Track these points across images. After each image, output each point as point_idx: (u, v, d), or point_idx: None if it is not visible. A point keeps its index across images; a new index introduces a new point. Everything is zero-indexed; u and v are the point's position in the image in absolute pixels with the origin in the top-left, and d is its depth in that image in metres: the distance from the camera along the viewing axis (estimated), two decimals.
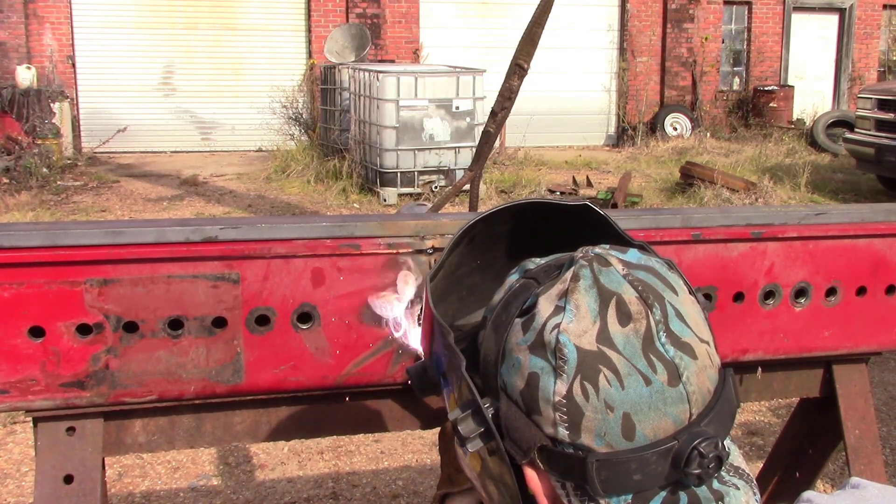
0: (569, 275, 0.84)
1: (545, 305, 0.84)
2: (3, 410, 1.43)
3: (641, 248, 0.92)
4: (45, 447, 1.46)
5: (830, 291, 1.77)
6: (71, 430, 1.47)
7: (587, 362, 0.80)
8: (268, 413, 1.59)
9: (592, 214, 1.00)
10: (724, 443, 0.82)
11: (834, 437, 2.00)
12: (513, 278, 0.92)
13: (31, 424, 1.50)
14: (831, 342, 1.80)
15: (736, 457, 0.87)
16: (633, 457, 0.81)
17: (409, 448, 4.06)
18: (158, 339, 1.42)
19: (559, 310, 0.83)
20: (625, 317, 0.81)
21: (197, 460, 3.90)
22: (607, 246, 0.88)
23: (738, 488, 0.85)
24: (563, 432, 0.82)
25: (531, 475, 0.87)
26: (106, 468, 1.59)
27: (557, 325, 0.82)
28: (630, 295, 0.82)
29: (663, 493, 0.82)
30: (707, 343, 0.85)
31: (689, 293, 0.88)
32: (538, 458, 0.85)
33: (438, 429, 1.56)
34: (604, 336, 0.81)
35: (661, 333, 0.82)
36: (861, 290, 1.79)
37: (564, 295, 0.83)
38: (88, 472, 1.46)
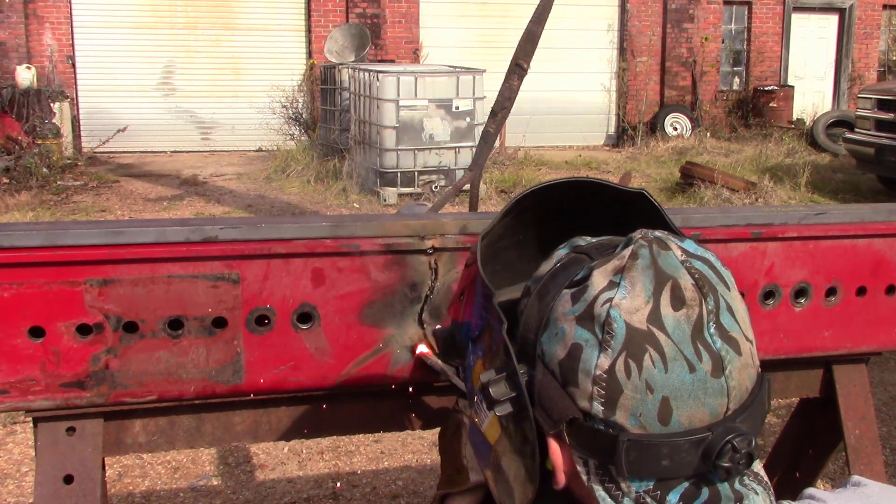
0: (627, 252, 0.83)
1: (599, 279, 0.83)
2: (3, 410, 1.43)
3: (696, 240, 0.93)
4: (45, 447, 1.46)
5: (830, 291, 1.77)
6: (71, 430, 1.47)
7: (635, 340, 0.80)
8: (268, 413, 1.59)
9: (646, 203, 0.99)
10: (756, 443, 0.82)
11: (834, 437, 2.00)
12: (561, 252, 0.91)
13: (31, 424, 1.50)
14: (831, 342, 1.80)
15: (756, 463, 0.87)
16: (665, 441, 0.80)
17: (409, 448, 4.06)
18: (158, 339, 1.42)
19: (613, 285, 0.82)
20: (678, 301, 0.81)
21: (197, 460, 3.90)
22: (665, 232, 0.87)
23: (756, 493, 0.85)
24: (597, 407, 0.81)
25: (555, 448, 0.86)
26: (106, 468, 1.59)
27: (610, 300, 0.81)
28: (686, 281, 0.82)
29: (686, 484, 0.82)
30: (751, 342, 0.85)
31: (737, 291, 0.87)
32: (566, 431, 0.84)
33: (438, 429, 1.56)
34: (655, 317, 0.80)
35: (710, 324, 0.81)
36: (861, 290, 1.79)
37: (620, 271, 0.82)
38: (88, 472, 1.46)
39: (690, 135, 14.98)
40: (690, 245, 0.87)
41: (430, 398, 1.65)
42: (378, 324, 1.51)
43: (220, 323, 1.44)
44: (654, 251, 0.83)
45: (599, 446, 0.82)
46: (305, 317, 1.48)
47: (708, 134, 15.03)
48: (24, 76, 12.45)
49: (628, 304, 0.80)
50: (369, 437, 4.09)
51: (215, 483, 3.75)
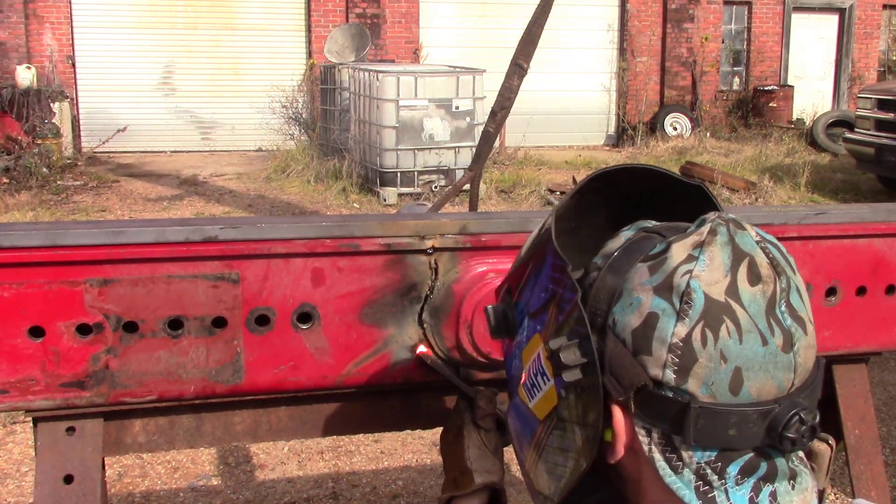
0: (705, 229, 0.86)
1: (679, 252, 0.85)
2: (3, 410, 1.43)
3: None
4: (45, 447, 1.46)
5: (830, 291, 1.77)
6: (71, 430, 1.47)
7: (713, 311, 0.82)
8: (268, 413, 1.59)
9: (704, 196, 1.01)
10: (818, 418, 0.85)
11: (834, 437, 2.00)
12: (629, 232, 0.94)
13: (31, 424, 1.50)
14: (831, 342, 1.80)
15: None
16: (735, 410, 0.83)
17: (409, 448, 4.06)
18: (158, 339, 1.42)
19: (692, 258, 0.84)
20: (755, 277, 0.84)
21: (197, 460, 3.90)
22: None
23: (805, 473, 0.88)
24: (669, 375, 0.84)
25: (619, 417, 0.88)
26: (106, 468, 1.59)
27: (689, 271, 0.84)
28: (762, 259, 0.85)
29: (746, 457, 0.85)
30: (813, 325, 0.88)
31: (800, 277, 0.91)
32: (633, 399, 0.86)
33: (438, 429, 1.56)
34: (732, 290, 0.83)
35: (782, 302, 0.85)
36: (861, 290, 1.79)
37: (700, 246, 0.85)
38: (88, 472, 1.46)
39: (690, 135, 14.98)
40: (759, 230, 0.90)
41: (431, 398, 1.65)
42: (378, 324, 1.51)
43: (220, 323, 1.44)
44: (731, 230, 0.86)
45: (667, 414, 0.84)
46: (305, 317, 1.48)
47: (708, 134, 15.04)
48: (24, 76, 12.45)
49: (707, 276, 0.83)
50: (369, 437, 4.09)
51: (215, 483, 3.75)
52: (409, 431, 3.78)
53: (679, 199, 1.01)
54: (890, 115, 10.16)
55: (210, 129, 14.13)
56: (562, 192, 10.57)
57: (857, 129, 10.79)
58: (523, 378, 1.00)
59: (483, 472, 1.38)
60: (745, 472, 0.85)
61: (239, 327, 1.45)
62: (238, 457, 3.95)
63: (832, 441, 1.09)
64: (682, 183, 1.00)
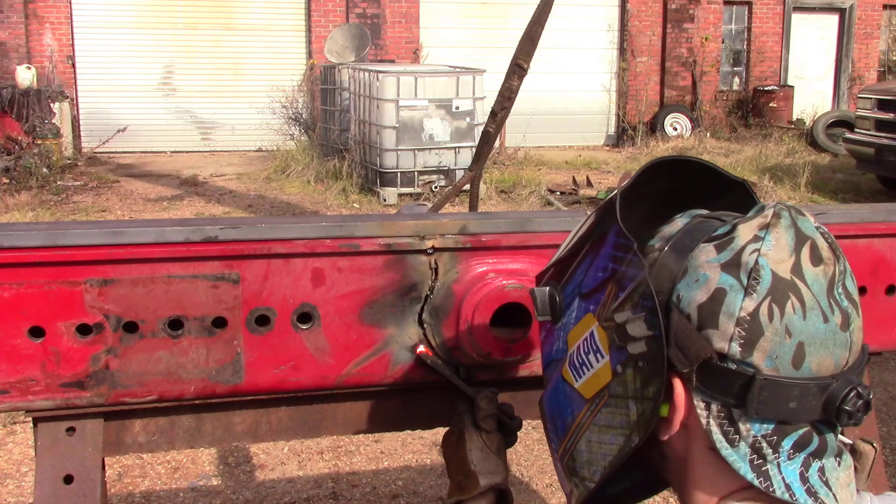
0: (770, 212, 0.90)
1: (746, 232, 0.89)
2: (3, 410, 1.42)
3: None
4: (45, 447, 1.46)
5: None
6: (71, 430, 1.47)
7: (779, 287, 0.87)
8: (268, 413, 1.59)
9: (746, 192, 1.04)
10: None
11: None
12: (684, 219, 0.98)
13: (31, 424, 1.50)
14: None
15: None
16: (797, 383, 0.86)
17: (409, 448, 4.06)
18: (158, 339, 1.42)
19: (758, 238, 0.89)
20: (817, 259, 0.89)
21: (197, 460, 3.90)
22: None
23: (846, 453, 0.92)
24: (735, 348, 0.87)
25: (679, 390, 0.90)
26: (106, 468, 1.59)
27: (757, 250, 0.88)
28: (822, 243, 0.90)
29: (801, 431, 0.88)
30: (860, 311, 0.93)
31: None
32: (696, 371, 0.89)
33: (438, 429, 1.56)
34: (797, 269, 0.87)
35: (839, 284, 0.90)
36: (861, 290, 1.79)
37: (766, 227, 0.89)
38: (88, 472, 1.46)
39: (690, 135, 14.99)
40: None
41: (431, 398, 1.65)
42: (378, 324, 1.51)
43: (220, 323, 1.44)
44: (793, 214, 0.90)
45: (730, 386, 0.87)
46: (305, 317, 1.48)
47: (708, 134, 15.04)
48: (24, 76, 12.45)
49: (774, 255, 0.87)
50: (369, 437, 4.09)
51: (215, 483, 3.75)
52: (409, 431, 3.78)
53: (716, 196, 1.05)
54: (890, 116, 10.16)
55: (210, 130, 14.13)
56: (562, 192, 10.57)
57: (857, 130, 10.79)
58: (569, 359, 1.03)
59: (487, 473, 1.38)
60: (798, 447, 0.88)
61: (239, 327, 1.45)
62: (238, 457, 3.95)
63: (877, 444, 1.13)
64: (725, 180, 1.04)
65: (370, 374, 1.53)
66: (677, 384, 0.90)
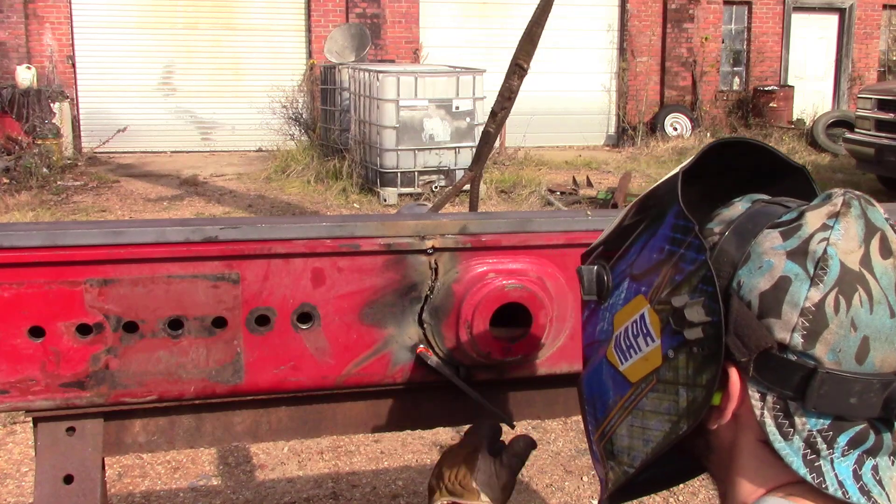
0: (839, 201, 0.87)
1: (814, 220, 0.86)
2: (3, 410, 1.43)
3: None
4: (45, 447, 1.46)
5: None
6: (71, 430, 1.47)
7: (847, 279, 0.83)
8: (268, 413, 1.59)
9: (804, 179, 1.01)
10: None
11: None
12: (744, 203, 0.94)
13: (31, 424, 1.50)
14: None
15: None
16: (860, 378, 0.83)
17: (409, 448, 4.06)
18: (158, 339, 1.42)
19: (827, 227, 0.85)
20: (887, 251, 0.85)
21: (197, 460, 3.90)
22: None
23: None
24: (797, 339, 0.84)
25: (735, 379, 0.87)
26: (106, 468, 1.59)
27: (826, 239, 0.84)
28: (892, 235, 0.87)
29: (858, 427, 0.85)
30: None
31: None
32: (753, 361, 0.86)
33: (438, 429, 1.56)
34: (866, 261, 0.84)
35: None
36: None
37: (835, 216, 0.86)
38: (88, 472, 1.46)
39: (690, 135, 14.99)
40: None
41: (431, 398, 1.65)
42: (378, 324, 1.51)
43: (220, 323, 1.44)
44: (863, 204, 0.87)
45: (789, 378, 0.85)
46: (305, 317, 1.48)
47: (708, 134, 15.03)
48: (24, 76, 12.45)
49: (844, 244, 0.84)
50: (369, 437, 4.09)
51: (215, 483, 3.75)
52: (409, 431, 3.78)
53: (772, 180, 1.02)
54: (890, 116, 10.15)
55: (210, 130, 14.13)
56: (562, 192, 10.57)
57: (857, 130, 10.79)
58: (613, 342, 1.00)
59: (489, 494, 1.36)
60: (853, 444, 0.85)
61: (239, 327, 1.45)
62: (238, 457, 3.95)
63: None
64: (784, 165, 1.01)
65: (370, 374, 1.53)
66: (733, 373, 0.87)
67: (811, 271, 0.84)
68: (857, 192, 0.88)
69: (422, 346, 1.53)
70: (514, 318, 1.51)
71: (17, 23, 13.12)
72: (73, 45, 13.45)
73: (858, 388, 0.83)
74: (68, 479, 1.45)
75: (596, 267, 1.05)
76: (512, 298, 1.48)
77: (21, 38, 13.14)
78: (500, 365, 1.56)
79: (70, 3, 13.36)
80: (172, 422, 1.55)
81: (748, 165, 1.03)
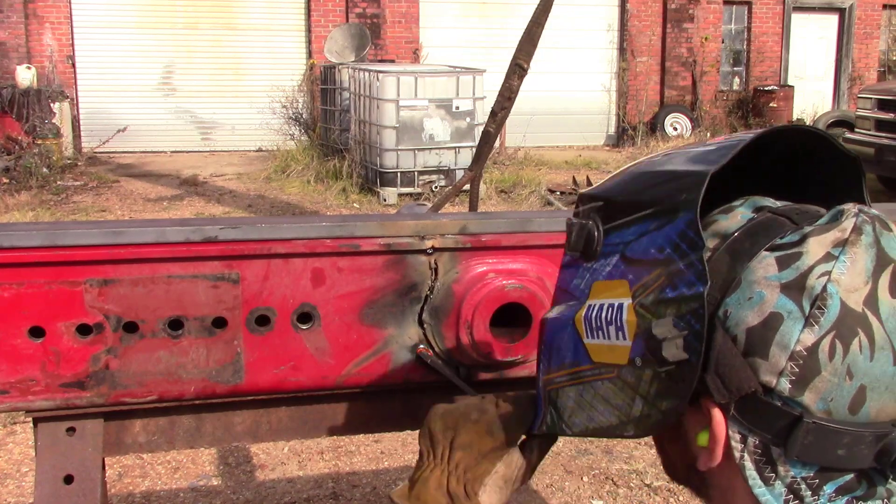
0: (849, 225, 0.76)
1: (816, 248, 0.76)
2: (3, 410, 1.43)
3: None
4: (45, 447, 1.46)
5: None
6: (71, 430, 1.47)
7: (847, 322, 0.74)
8: (268, 413, 1.59)
9: (854, 173, 0.89)
10: None
11: None
12: (743, 209, 0.84)
13: (31, 424, 1.50)
14: None
15: None
16: (850, 430, 0.75)
17: (409, 448, 4.06)
18: (158, 339, 1.42)
19: (831, 257, 0.75)
20: None
21: (197, 460, 3.90)
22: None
23: None
24: (784, 384, 0.76)
25: (719, 419, 0.79)
26: (106, 468, 1.59)
27: (828, 273, 0.75)
28: None
29: (847, 477, 0.78)
30: None
31: None
32: (735, 403, 0.78)
33: None
34: (871, 301, 0.75)
35: None
36: None
37: (842, 245, 0.76)
38: (88, 472, 1.46)
39: (690, 135, 14.99)
40: None
41: (431, 398, 1.65)
42: (378, 324, 1.51)
43: (220, 323, 1.44)
44: (877, 230, 0.77)
45: (772, 424, 0.77)
46: (305, 317, 1.48)
47: (708, 134, 15.03)
48: (24, 76, 12.45)
49: (848, 281, 0.75)
50: (369, 437, 4.09)
51: (215, 483, 3.75)
52: (409, 431, 3.77)
53: (832, 159, 0.89)
54: (890, 115, 10.16)
55: (210, 130, 14.14)
56: (562, 192, 10.57)
57: (857, 130, 10.80)
58: (585, 310, 0.90)
59: (490, 498, 1.10)
60: (842, 492, 0.78)
61: (239, 327, 1.45)
62: (238, 457, 3.95)
63: None
64: (836, 151, 0.88)
65: (370, 374, 1.53)
66: (716, 413, 0.79)
67: (806, 310, 0.75)
68: (873, 213, 0.78)
69: (422, 346, 1.53)
70: (514, 318, 1.51)
71: (17, 23, 13.12)
72: (73, 44, 13.45)
73: (848, 440, 0.76)
74: (68, 480, 1.45)
75: (590, 223, 0.93)
76: (512, 298, 1.48)
77: (21, 38, 13.14)
78: (500, 365, 1.56)
79: (70, 3, 13.37)
80: (172, 422, 1.55)
81: (789, 146, 0.91)
